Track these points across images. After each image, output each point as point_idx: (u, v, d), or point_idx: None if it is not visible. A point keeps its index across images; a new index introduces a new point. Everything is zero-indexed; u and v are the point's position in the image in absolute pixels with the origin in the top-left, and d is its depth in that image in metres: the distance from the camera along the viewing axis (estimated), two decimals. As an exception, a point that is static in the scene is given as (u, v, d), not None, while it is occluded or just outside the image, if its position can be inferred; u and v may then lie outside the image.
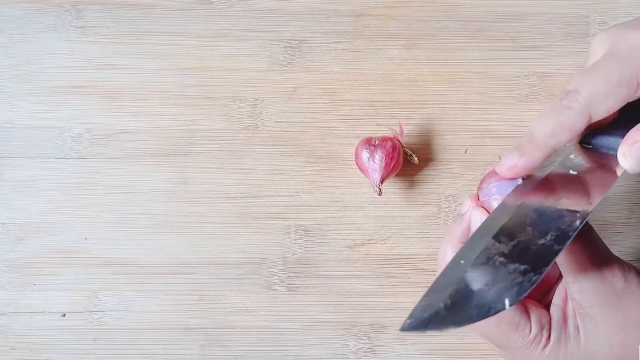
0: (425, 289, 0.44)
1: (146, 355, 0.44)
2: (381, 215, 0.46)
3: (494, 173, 0.33)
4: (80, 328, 0.44)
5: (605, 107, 0.30)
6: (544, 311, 0.33)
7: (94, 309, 0.45)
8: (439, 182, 0.46)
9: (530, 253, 0.27)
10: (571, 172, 0.32)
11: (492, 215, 0.31)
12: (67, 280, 0.45)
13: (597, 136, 0.33)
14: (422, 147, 0.46)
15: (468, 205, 0.33)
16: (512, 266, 0.26)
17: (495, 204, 0.32)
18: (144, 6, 0.48)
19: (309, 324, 0.45)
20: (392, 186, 0.46)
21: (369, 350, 0.44)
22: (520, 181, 0.32)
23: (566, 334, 0.32)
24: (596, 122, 0.31)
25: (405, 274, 0.45)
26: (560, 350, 0.32)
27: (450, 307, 0.26)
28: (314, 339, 0.45)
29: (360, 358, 0.44)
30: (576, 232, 0.28)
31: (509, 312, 0.32)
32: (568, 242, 0.27)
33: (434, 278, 0.44)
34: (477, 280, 0.27)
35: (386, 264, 0.45)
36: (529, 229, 0.28)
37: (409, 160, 0.46)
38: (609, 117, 0.31)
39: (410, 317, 0.26)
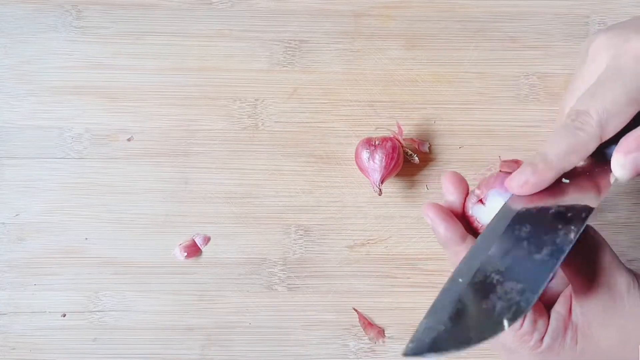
0: (425, 289, 0.45)
1: (146, 355, 0.44)
2: (381, 215, 0.46)
3: (494, 180, 0.33)
4: (80, 328, 0.44)
5: (615, 126, 0.31)
6: (543, 313, 0.32)
7: (94, 309, 0.45)
8: (439, 182, 0.46)
9: (526, 270, 0.27)
10: (564, 180, 0.32)
11: (488, 228, 0.31)
12: (67, 280, 0.45)
13: None
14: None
15: (430, 216, 0.33)
16: (508, 285, 0.26)
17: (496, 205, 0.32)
18: (144, 6, 0.48)
19: (309, 324, 0.45)
20: (392, 186, 0.46)
21: (369, 350, 0.44)
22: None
23: (562, 344, 0.32)
24: None
25: (405, 274, 0.45)
26: (551, 356, 0.32)
27: (450, 330, 0.25)
28: (314, 339, 0.45)
29: (360, 358, 0.44)
30: (572, 245, 0.27)
31: None
32: (563, 257, 0.27)
33: (434, 278, 0.45)
34: (474, 300, 0.27)
35: (386, 264, 0.45)
36: (524, 243, 0.28)
37: (409, 160, 0.46)
38: None
39: (412, 340, 0.26)
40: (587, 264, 0.30)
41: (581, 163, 0.33)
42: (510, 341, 0.32)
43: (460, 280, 0.28)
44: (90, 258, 0.45)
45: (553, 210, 0.30)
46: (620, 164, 0.30)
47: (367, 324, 0.44)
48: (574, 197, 0.31)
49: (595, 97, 0.31)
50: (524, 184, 0.31)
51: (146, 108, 0.47)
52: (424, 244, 0.45)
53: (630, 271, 0.32)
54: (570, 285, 0.32)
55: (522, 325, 0.31)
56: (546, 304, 0.33)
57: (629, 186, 0.46)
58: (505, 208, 0.31)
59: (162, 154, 0.46)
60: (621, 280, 0.31)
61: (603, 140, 0.31)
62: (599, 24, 0.48)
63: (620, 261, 0.31)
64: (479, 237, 0.31)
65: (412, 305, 0.45)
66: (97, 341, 0.44)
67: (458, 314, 0.26)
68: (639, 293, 0.31)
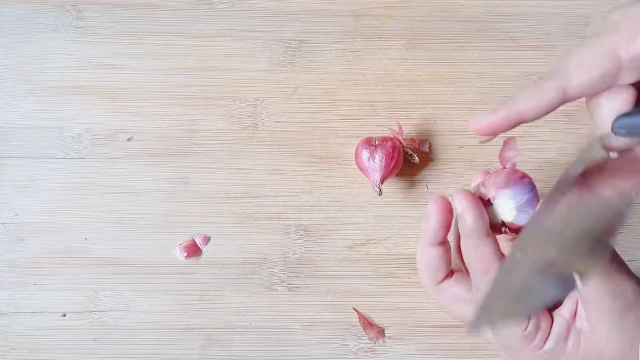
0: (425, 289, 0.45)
1: (146, 355, 0.44)
2: (381, 215, 0.46)
3: (501, 179, 0.33)
4: (80, 328, 0.44)
5: (580, 80, 0.30)
6: (546, 315, 0.33)
7: (94, 309, 0.45)
8: (439, 182, 0.46)
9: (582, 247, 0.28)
10: (611, 154, 0.31)
11: (536, 216, 0.31)
12: (67, 280, 0.45)
13: (628, 118, 0.31)
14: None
15: (433, 206, 0.33)
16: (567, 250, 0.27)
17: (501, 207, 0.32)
18: (145, 6, 0.48)
19: (309, 324, 0.45)
20: (392, 186, 0.46)
21: (369, 350, 0.44)
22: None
23: (564, 347, 0.32)
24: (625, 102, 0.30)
25: (405, 274, 0.45)
26: (552, 358, 0.32)
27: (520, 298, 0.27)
28: (314, 339, 0.45)
29: (360, 358, 0.44)
30: (626, 217, 0.28)
31: None
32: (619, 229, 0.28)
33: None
34: (538, 269, 0.28)
35: (386, 264, 0.45)
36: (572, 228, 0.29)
37: (409, 160, 0.46)
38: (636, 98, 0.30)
39: (478, 316, 0.28)
40: (596, 272, 0.30)
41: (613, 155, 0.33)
42: (515, 340, 0.32)
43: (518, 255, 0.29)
44: (90, 258, 0.45)
45: (599, 200, 0.30)
46: None
47: (367, 324, 0.44)
48: (616, 182, 0.30)
49: (567, 54, 0.31)
50: (480, 121, 0.32)
51: (146, 108, 0.47)
52: (424, 244, 0.45)
53: (633, 274, 0.32)
54: (575, 290, 0.32)
55: (526, 327, 0.31)
56: (550, 308, 0.33)
57: (629, 186, 0.46)
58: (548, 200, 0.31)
59: (162, 154, 0.46)
60: (629, 289, 0.31)
61: (570, 95, 0.30)
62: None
63: (629, 270, 0.31)
64: (536, 213, 0.31)
65: (412, 305, 0.45)
66: (97, 341, 0.44)
67: (527, 283, 0.27)
68: None
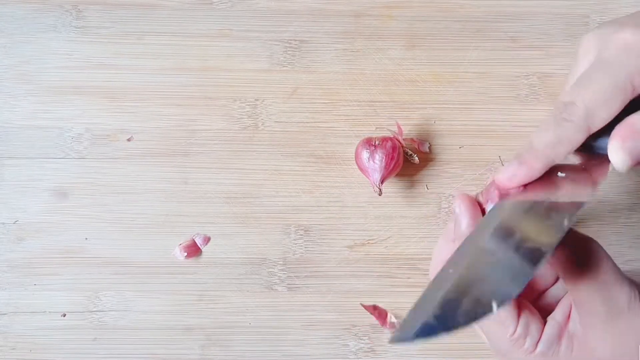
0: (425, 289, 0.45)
1: (146, 355, 0.44)
2: (381, 215, 0.46)
3: (495, 186, 0.33)
4: (80, 328, 0.44)
5: (603, 117, 0.30)
6: (537, 319, 0.32)
7: (94, 309, 0.45)
8: (439, 182, 0.46)
9: (519, 255, 0.27)
10: (559, 174, 0.31)
11: (483, 219, 0.31)
12: (67, 280, 0.45)
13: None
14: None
15: (458, 204, 0.32)
16: (500, 269, 0.26)
17: None
18: (145, 6, 0.48)
19: (309, 324, 0.45)
20: (392, 186, 0.46)
21: (369, 350, 0.44)
22: None
23: (557, 351, 0.32)
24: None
25: (405, 274, 0.45)
26: None
27: (439, 316, 0.25)
28: (314, 339, 0.45)
29: (360, 358, 0.44)
30: (565, 233, 0.27)
31: None
32: (555, 243, 0.27)
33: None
34: (465, 285, 0.26)
35: (386, 264, 0.45)
36: (518, 232, 0.28)
37: (409, 160, 0.46)
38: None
39: (399, 328, 0.26)
40: (588, 277, 0.30)
41: (573, 159, 0.33)
42: (505, 345, 0.32)
43: (450, 270, 0.28)
44: (90, 258, 0.45)
45: (545, 204, 0.29)
46: (616, 153, 0.29)
47: (383, 314, 0.44)
48: (567, 190, 0.30)
49: (582, 87, 0.30)
50: (511, 177, 0.30)
51: (146, 108, 0.47)
52: (424, 244, 0.45)
53: (632, 284, 0.31)
54: (568, 293, 0.32)
55: (514, 331, 0.31)
56: (544, 311, 0.33)
57: (629, 186, 0.46)
58: (499, 203, 0.31)
59: (162, 154, 0.46)
60: (622, 295, 0.30)
61: (591, 132, 0.30)
62: (599, 24, 0.48)
63: (622, 274, 0.31)
64: (473, 230, 0.31)
65: (412, 305, 0.45)
66: (97, 341, 0.44)
67: (447, 301, 0.26)
68: (639, 306, 0.31)
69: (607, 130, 0.31)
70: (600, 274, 0.30)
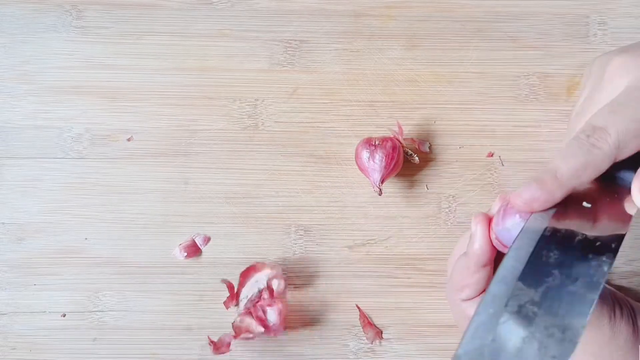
0: (425, 289, 0.45)
1: (146, 355, 0.44)
2: (381, 215, 0.46)
3: (510, 206, 0.31)
4: (80, 328, 0.44)
5: (633, 148, 0.29)
6: None
7: (94, 309, 0.45)
8: (439, 182, 0.46)
9: (562, 302, 0.25)
10: (585, 204, 0.29)
11: (512, 254, 0.28)
12: (67, 280, 0.45)
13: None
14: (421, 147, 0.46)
15: (475, 223, 0.31)
16: (546, 319, 0.24)
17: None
18: (144, 6, 0.48)
19: (309, 324, 0.45)
20: (392, 186, 0.46)
21: (369, 350, 0.44)
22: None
23: None
24: None
25: (405, 274, 0.45)
26: None
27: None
28: (314, 339, 0.45)
29: (360, 358, 0.44)
30: (606, 277, 0.26)
31: None
32: (600, 289, 0.25)
33: (434, 278, 0.45)
34: (512, 335, 0.24)
35: (386, 264, 0.45)
36: (556, 272, 0.26)
37: (409, 160, 0.46)
38: None
39: None
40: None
41: (587, 185, 0.31)
42: None
43: (490, 310, 0.26)
44: (90, 258, 0.45)
45: (581, 237, 0.27)
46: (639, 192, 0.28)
47: (367, 323, 0.44)
48: (602, 224, 0.29)
49: (616, 114, 0.29)
50: (530, 200, 0.29)
51: (146, 108, 0.47)
52: (424, 244, 0.45)
53: (617, 300, 0.31)
54: None
55: None
56: None
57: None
58: (528, 228, 0.29)
59: (162, 154, 0.46)
60: (602, 311, 0.30)
61: (616, 161, 0.29)
62: (598, 24, 0.48)
63: (605, 289, 0.30)
64: (500, 267, 0.28)
65: (412, 305, 0.45)
66: (97, 341, 0.44)
67: (493, 351, 0.24)
68: (624, 324, 0.30)
69: (629, 160, 0.30)
70: None
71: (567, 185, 0.29)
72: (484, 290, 0.32)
